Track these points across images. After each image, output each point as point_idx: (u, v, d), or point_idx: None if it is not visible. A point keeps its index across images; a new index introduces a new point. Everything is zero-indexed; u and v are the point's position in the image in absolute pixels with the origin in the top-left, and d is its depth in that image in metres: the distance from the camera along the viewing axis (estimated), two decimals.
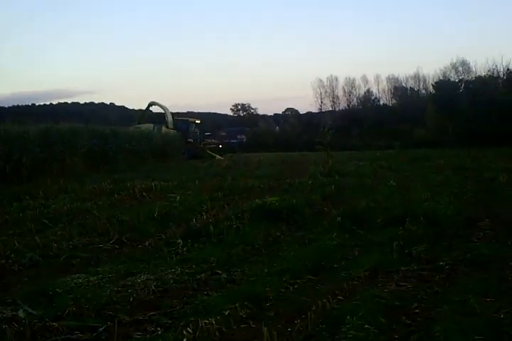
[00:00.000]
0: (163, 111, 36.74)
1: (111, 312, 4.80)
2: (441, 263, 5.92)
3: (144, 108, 40.23)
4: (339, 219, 7.98)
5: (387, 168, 17.89)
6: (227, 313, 4.45)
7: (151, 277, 5.91)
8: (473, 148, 28.49)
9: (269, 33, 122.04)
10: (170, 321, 4.58)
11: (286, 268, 5.87)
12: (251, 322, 4.43)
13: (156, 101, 37.13)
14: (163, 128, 34.29)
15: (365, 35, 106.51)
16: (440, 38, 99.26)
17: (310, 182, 13.01)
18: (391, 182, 12.70)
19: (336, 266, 6.13)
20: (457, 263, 5.95)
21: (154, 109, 39.08)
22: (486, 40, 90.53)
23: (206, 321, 4.19)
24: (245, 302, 4.75)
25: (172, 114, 37.02)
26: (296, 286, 5.42)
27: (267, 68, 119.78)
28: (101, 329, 4.42)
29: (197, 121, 38.44)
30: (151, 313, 4.80)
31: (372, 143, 45.82)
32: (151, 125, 34.40)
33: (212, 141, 39.95)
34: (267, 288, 5.25)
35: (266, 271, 5.89)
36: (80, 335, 4.34)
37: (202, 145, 35.72)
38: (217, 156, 34.07)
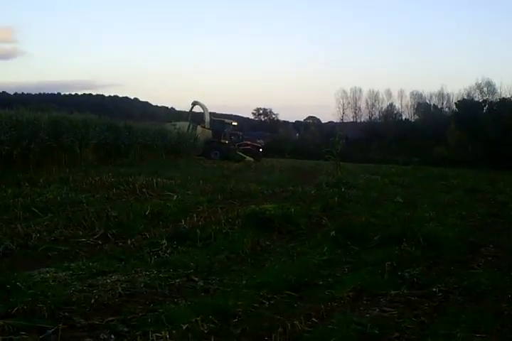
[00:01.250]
0: (202, 111, 37.03)
1: (66, 314, 4.45)
2: (434, 289, 5.46)
3: (165, 105, 40.60)
4: (333, 233, 7.53)
5: (398, 184, 17.36)
6: (185, 327, 4.03)
7: (122, 278, 5.55)
8: (493, 170, 27.75)
9: (296, 41, 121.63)
10: (126, 329, 4.20)
11: (266, 282, 5.45)
12: (212, 339, 4.03)
13: (199, 101, 37.30)
14: (199, 128, 34.54)
15: (391, 50, 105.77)
16: (467, 58, 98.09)
17: (313, 191, 12.57)
18: (398, 198, 12.22)
19: (320, 283, 5.72)
20: (451, 290, 5.48)
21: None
22: None
23: (159, 334, 3.80)
24: (210, 316, 4.35)
25: (210, 114, 37.32)
26: (272, 302, 5.01)
27: (292, 75, 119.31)
28: (50, 331, 4.06)
29: (234, 123, 38.69)
30: (110, 318, 4.43)
31: (390, 158, 45.17)
32: (187, 123, 34.66)
33: (248, 142, 39.78)
34: (240, 301, 4.85)
35: (244, 282, 5.49)
36: (25, 336, 3.98)
37: (236, 147, 35.72)
38: (248, 158, 34.12)
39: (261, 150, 38.79)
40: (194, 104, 37.22)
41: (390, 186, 16.29)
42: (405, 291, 5.38)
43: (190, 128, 34.00)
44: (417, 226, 7.89)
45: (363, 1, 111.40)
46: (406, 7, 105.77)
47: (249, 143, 39.21)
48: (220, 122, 36.97)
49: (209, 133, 35.05)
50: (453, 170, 28.67)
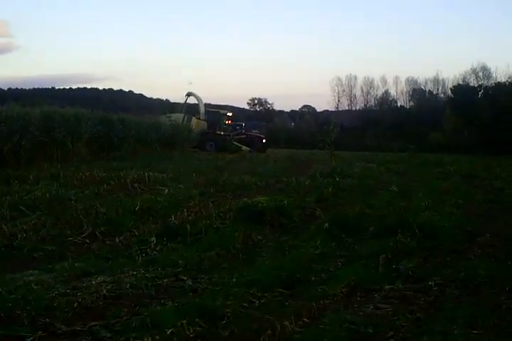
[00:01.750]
0: (197, 102, 36.88)
1: (47, 320, 4.27)
2: (430, 282, 5.28)
3: (160, 97, 40.42)
4: (326, 225, 7.35)
5: (394, 172, 17.16)
6: (169, 331, 3.85)
7: (108, 279, 5.37)
8: (489, 155, 27.61)
9: (289, 29, 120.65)
10: (109, 335, 4.02)
11: (256, 279, 5.28)
12: None
13: (193, 92, 37.07)
14: (194, 119, 34.30)
15: (386, 36, 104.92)
16: (461, 43, 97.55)
17: (307, 182, 12.36)
18: (393, 187, 12.01)
19: (313, 278, 5.53)
20: (448, 283, 5.30)
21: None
22: (507, 46, 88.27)
23: None
24: (197, 319, 4.17)
25: (205, 105, 37.13)
26: (262, 301, 4.82)
27: (286, 64, 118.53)
28: (28, 340, 3.89)
29: (229, 114, 38.33)
30: (93, 323, 4.25)
31: (386, 145, 45.02)
32: (182, 115, 34.46)
33: (255, 133, 39.59)
34: (229, 301, 4.67)
35: (234, 280, 5.31)
36: None
37: (232, 137, 35.53)
38: (244, 147, 34.00)
39: (264, 141, 38.48)
40: (188, 95, 36.92)
41: (386, 174, 16.10)
42: (400, 286, 5.21)
43: (185, 119, 33.82)
44: (412, 216, 7.72)
45: None
46: None
47: (252, 134, 39.07)
48: (214, 113, 36.66)
49: (204, 124, 34.86)
50: (449, 156, 28.52)
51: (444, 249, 6.61)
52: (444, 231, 7.29)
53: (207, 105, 38.25)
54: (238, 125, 38.73)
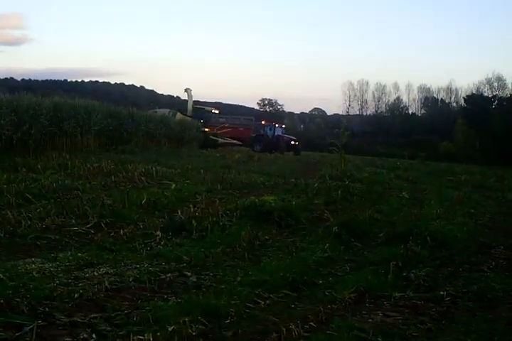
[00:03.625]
0: (187, 99, 36.94)
1: (47, 309, 4.15)
2: (442, 292, 5.11)
3: (171, 94, 40.50)
4: (335, 228, 7.18)
5: (404, 178, 16.94)
6: (171, 329, 3.71)
7: (111, 271, 5.26)
8: (500, 167, 27.30)
9: (303, 33, 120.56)
10: (109, 328, 3.89)
11: (262, 279, 5.12)
12: None
13: (189, 88, 37.05)
14: (178, 115, 34.26)
15: (401, 43, 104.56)
16: (476, 52, 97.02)
17: (316, 184, 12.19)
18: (404, 193, 11.81)
19: (320, 282, 5.39)
20: (460, 294, 5.12)
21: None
22: None
23: (141, 337, 3.48)
24: (200, 317, 4.02)
25: (194, 102, 37.08)
26: (268, 302, 4.68)
27: (298, 67, 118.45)
28: (27, 328, 3.76)
29: (214, 111, 38.40)
30: (93, 315, 4.12)
31: (397, 152, 44.74)
32: (167, 110, 34.54)
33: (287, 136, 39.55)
34: (234, 300, 4.52)
35: (239, 279, 5.16)
36: (0, 333, 3.68)
37: (215, 131, 35.34)
38: (220, 140, 33.91)
39: (292, 143, 38.17)
40: (185, 90, 36.95)
41: (396, 180, 15.88)
42: (411, 294, 5.05)
43: (170, 114, 33.77)
44: (423, 224, 7.53)
45: None
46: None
47: (283, 136, 38.99)
48: (199, 110, 36.58)
49: (189, 120, 34.57)
50: (459, 165, 28.23)
51: (456, 260, 6.43)
52: (456, 241, 7.11)
53: (217, 104, 38.20)
54: (274, 127, 38.76)
